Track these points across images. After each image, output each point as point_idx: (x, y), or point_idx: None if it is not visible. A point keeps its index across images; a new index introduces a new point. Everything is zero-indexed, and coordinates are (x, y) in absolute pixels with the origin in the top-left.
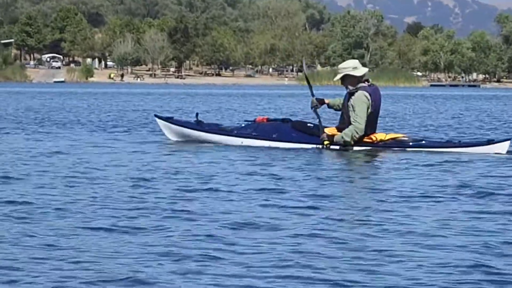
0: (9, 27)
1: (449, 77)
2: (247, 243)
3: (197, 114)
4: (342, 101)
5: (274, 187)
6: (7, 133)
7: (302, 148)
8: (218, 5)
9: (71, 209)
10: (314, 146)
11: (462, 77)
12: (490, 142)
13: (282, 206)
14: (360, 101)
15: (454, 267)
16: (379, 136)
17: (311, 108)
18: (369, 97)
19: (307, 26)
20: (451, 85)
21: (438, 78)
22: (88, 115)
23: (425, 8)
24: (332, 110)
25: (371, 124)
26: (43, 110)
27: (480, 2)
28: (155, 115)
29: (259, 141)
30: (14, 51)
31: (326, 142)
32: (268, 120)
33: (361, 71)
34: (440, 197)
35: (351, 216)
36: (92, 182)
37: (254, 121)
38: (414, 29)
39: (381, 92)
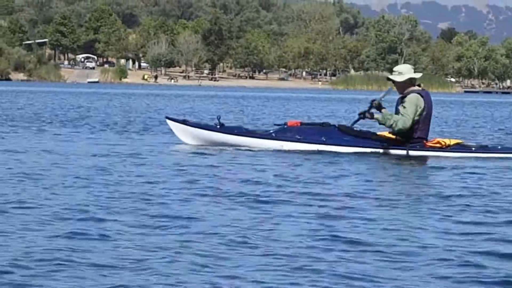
0: (43, 26)
1: (483, 83)
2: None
3: (218, 117)
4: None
5: (348, 192)
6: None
7: (358, 152)
8: (252, 8)
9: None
10: (373, 150)
11: (496, 84)
12: None
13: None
14: (412, 102)
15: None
16: (446, 141)
17: (367, 112)
18: (422, 99)
19: (341, 30)
20: (484, 92)
21: (472, 85)
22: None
23: (458, 14)
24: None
25: (425, 127)
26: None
27: None
28: (167, 117)
29: (305, 144)
30: (48, 51)
31: (377, 117)
32: (301, 124)
33: (403, 77)
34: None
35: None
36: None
37: (285, 124)
38: (448, 35)
39: None
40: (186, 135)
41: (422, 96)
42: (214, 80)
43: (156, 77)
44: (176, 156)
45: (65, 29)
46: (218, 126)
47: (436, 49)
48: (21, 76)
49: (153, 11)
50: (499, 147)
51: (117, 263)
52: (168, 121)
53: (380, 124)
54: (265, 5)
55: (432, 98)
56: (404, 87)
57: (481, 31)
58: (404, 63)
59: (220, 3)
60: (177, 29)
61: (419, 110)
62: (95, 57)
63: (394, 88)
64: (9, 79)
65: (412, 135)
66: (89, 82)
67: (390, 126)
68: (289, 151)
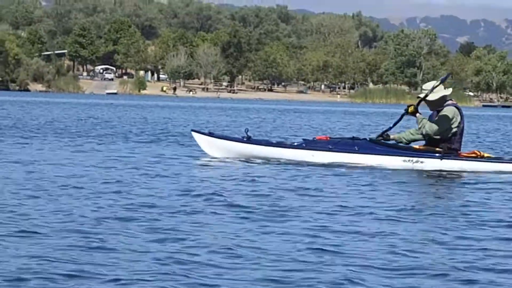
0: (62, 37)
1: (501, 97)
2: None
3: (246, 129)
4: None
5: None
6: None
7: (391, 160)
8: (272, 21)
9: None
10: (406, 158)
11: None
12: None
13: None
14: (449, 113)
15: None
16: (483, 153)
17: (405, 110)
18: (458, 112)
19: (359, 43)
20: (503, 106)
21: (490, 99)
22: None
23: (477, 29)
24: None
25: (460, 139)
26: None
27: None
28: (193, 130)
29: (337, 154)
30: (67, 62)
31: (410, 108)
32: (330, 138)
33: (434, 95)
34: None
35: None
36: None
37: (313, 139)
38: (466, 49)
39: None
40: (213, 147)
41: (458, 109)
42: (233, 92)
43: (175, 89)
44: (203, 169)
45: (84, 40)
46: (245, 139)
47: (455, 63)
48: (39, 87)
49: (172, 23)
50: None
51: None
52: (194, 134)
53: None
54: (284, 18)
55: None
56: (437, 104)
57: (500, 45)
58: (423, 76)
59: (239, 16)
60: (196, 41)
61: (456, 123)
62: (114, 69)
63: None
64: (27, 90)
65: (448, 146)
66: (107, 93)
67: (420, 128)
68: (317, 163)
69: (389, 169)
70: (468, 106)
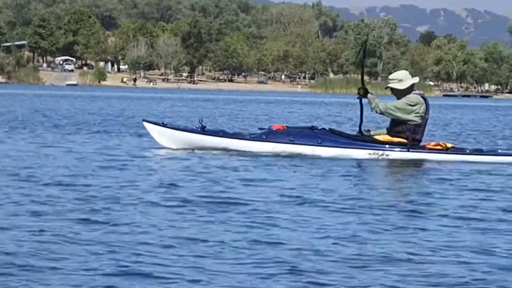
0: (22, 29)
1: (461, 87)
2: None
3: (200, 120)
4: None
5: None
6: None
7: (356, 153)
8: (231, 11)
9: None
10: (371, 151)
11: (475, 88)
12: None
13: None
14: (410, 99)
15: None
16: (448, 144)
17: (358, 96)
18: (423, 101)
19: (319, 33)
20: (463, 95)
21: (451, 88)
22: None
23: (437, 18)
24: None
25: (422, 130)
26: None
27: (492, 12)
28: (144, 120)
29: (300, 146)
30: (27, 53)
31: (361, 89)
32: (287, 127)
33: (404, 84)
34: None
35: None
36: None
37: (269, 128)
38: (426, 38)
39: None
40: (166, 138)
41: (424, 99)
42: (193, 83)
43: (135, 80)
44: (155, 160)
45: (43, 31)
46: (200, 129)
47: (415, 52)
48: None
49: (132, 14)
50: (499, 150)
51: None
52: (146, 124)
53: (366, 103)
54: (244, 8)
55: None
56: (405, 94)
57: (460, 34)
58: (383, 66)
59: (199, 6)
60: (156, 32)
61: (419, 112)
62: (74, 60)
63: (389, 93)
64: None
65: (412, 137)
66: (67, 84)
67: (372, 108)
68: (274, 154)
69: (353, 162)
70: (429, 95)
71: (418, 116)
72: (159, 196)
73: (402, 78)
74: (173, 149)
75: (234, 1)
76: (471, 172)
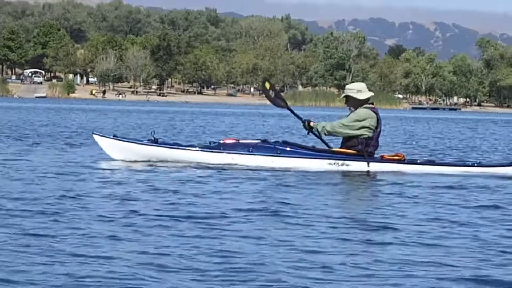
0: None
1: (430, 100)
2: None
3: (153, 132)
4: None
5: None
6: None
7: (316, 163)
8: (201, 24)
9: None
10: (331, 161)
11: (443, 101)
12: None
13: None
14: (360, 114)
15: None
16: (403, 155)
17: (307, 131)
18: (374, 115)
19: (289, 46)
20: (432, 108)
21: (419, 101)
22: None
23: (406, 31)
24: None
25: (375, 143)
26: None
27: (460, 25)
28: (94, 133)
29: (259, 157)
30: None
31: (305, 121)
32: (239, 141)
33: (364, 95)
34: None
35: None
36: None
37: (220, 142)
38: (395, 52)
39: None
40: (116, 150)
41: (376, 114)
42: (162, 96)
43: (104, 92)
44: (104, 171)
45: (12, 44)
46: (152, 141)
47: (384, 65)
48: None
49: (101, 27)
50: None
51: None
52: (96, 137)
53: (315, 132)
54: (214, 21)
55: (390, 115)
56: (361, 104)
57: (428, 47)
58: (352, 79)
59: (168, 19)
60: (125, 45)
61: (372, 125)
62: (43, 72)
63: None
64: None
65: (365, 150)
66: (36, 97)
67: (320, 131)
68: (231, 165)
69: (312, 172)
70: (398, 108)
71: (370, 130)
72: (108, 209)
73: (361, 89)
74: (124, 161)
75: (203, 14)
76: (425, 183)
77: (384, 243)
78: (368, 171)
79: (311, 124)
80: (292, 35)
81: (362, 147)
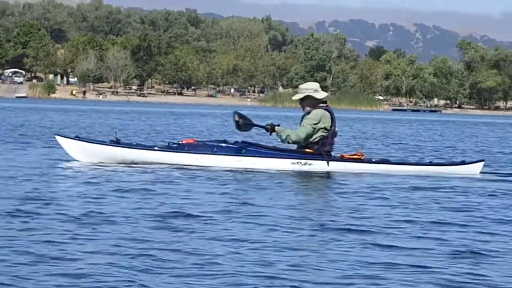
0: None
1: (410, 101)
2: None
3: (115, 132)
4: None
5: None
6: None
7: (279, 163)
8: (181, 24)
9: None
10: (294, 161)
11: (424, 102)
12: (463, 162)
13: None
14: (317, 115)
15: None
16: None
17: (270, 134)
18: (329, 115)
19: (269, 47)
20: (412, 110)
21: (400, 103)
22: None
23: (386, 32)
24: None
25: (330, 142)
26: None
27: (441, 27)
28: (56, 134)
29: (222, 157)
30: None
31: (268, 127)
32: (197, 141)
33: (322, 94)
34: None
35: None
36: None
37: (180, 143)
38: (376, 53)
39: (344, 115)
40: (78, 151)
41: (329, 112)
42: (143, 96)
43: (84, 92)
44: (64, 173)
45: None
46: (114, 142)
47: (365, 67)
48: None
49: (81, 27)
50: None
51: None
52: (58, 138)
53: (278, 136)
54: (194, 22)
55: (360, 115)
56: (316, 104)
57: (409, 49)
58: (332, 80)
59: (148, 19)
60: (106, 45)
61: (327, 125)
62: (23, 72)
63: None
64: None
65: (322, 149)
66: (17, 97)
67: (284, 139)
68: (194, 165)
69: (276, 172)
70: (378, 110)
71: (325, 131)
72: (69, 209)
73: (317, 89)
74: (86, 162)
75: (183, 14)
76: (385, 182)
77: (349, 240)
78: (328, 171)
79: (276, 128)
80: (272, 36)
81: (319, 146)
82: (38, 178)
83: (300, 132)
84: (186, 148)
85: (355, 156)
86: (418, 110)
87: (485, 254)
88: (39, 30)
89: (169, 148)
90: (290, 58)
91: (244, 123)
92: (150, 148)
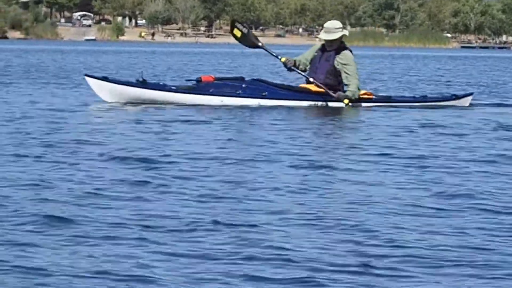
0: None
1: (479, 39)
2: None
3: (141, 72)
4: (307, 58)
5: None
6: None
7: (300, 105)
8: None
9: None
10: (313, 103)
11: (493, 39)
12: (454, 96)
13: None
14: (352, 63)
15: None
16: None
17: (287, 69)
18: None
19: None
20: (481, 47)
21: (468, 40)
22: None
23: None
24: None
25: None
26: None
27: None
28: (86, 75)
29: (245, 99)
30: (44, 9)
31: (346, 101)
32: (215, 78)
33: (347, 32)
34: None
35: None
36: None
37: (199, 80)
38: None
39: (415, 53)
40: (106, 92)
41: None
42: (211, 37)
43: (153, 34)
44: (92, 113)
45: None
46: (140, 82)
47: (433, 4)
48: (18, 34)
49: None
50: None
51: None
52: (87, 78)
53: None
54: None
55: (428, 53)
56: (339, 43)
57: None
58: (401, 19)
59: None
60: None
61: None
62: (92, 15)
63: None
64: (6, 38)
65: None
66: (86, 40)
67: (348, 102)
68: (219, 107)
69: (296, 113)
70: (447, 47)
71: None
72: (95, 151)
73: (340, 27)
74: (113, 103)
75: None
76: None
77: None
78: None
79: (337, 94)
80: None
81: (341, 88)
82: (62, 119)
83: (354, 86)
84: (210, 90)
85: (365, 96)
86: (487, 47)
87: None
88: None
89: (193, 89)
90: None
91: (248, 36)
92: (174, 89)
